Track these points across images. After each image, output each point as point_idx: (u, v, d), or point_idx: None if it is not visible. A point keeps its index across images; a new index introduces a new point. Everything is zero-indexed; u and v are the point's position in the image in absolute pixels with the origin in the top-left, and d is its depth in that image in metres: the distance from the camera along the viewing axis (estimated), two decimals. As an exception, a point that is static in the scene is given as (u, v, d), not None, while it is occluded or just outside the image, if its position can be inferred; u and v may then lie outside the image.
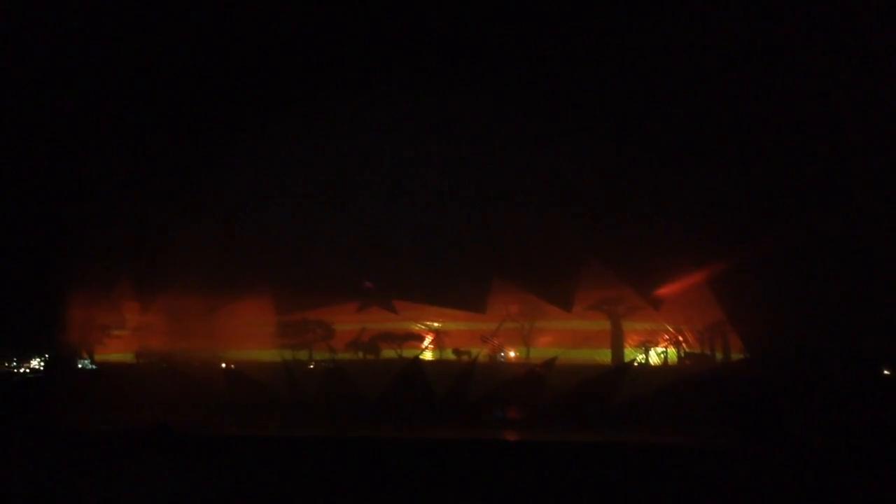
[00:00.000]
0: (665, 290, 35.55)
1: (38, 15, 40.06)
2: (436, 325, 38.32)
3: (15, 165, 41.18)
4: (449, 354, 37.58)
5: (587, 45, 36.83)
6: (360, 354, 38.11)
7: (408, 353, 37.70)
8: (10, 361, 44.67)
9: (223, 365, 38.83)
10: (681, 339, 36.29)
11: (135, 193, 39.42)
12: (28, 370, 44.38)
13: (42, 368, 43.75)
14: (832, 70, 33.86)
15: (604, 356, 36.67)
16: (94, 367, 40.56)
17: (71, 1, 40.15)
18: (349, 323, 38.59)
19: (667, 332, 36.23)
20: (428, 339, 38.14)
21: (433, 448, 26.73)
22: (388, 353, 37.95)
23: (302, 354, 38.46)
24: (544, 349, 36.74)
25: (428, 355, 37.97)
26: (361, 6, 40.39)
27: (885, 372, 35.55)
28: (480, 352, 36.83)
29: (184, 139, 40.18)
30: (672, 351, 36.64)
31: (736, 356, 35.17)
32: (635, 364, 36.00)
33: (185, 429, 29.68)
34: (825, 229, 32.58)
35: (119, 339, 40.26)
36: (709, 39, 35.47)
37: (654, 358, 36.69)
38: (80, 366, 40.80)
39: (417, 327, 38.36)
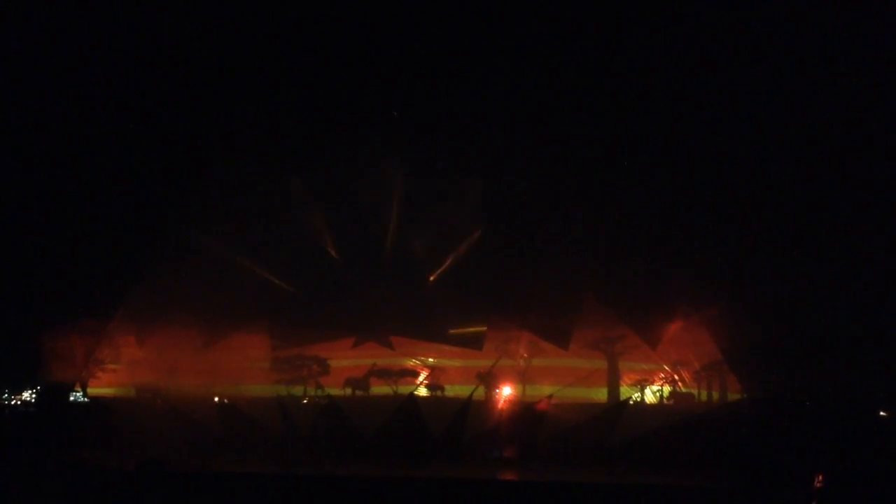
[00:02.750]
0: (663, 330, 35.59)
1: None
2: (431, 360, 38.09)
3: (6, 192, 41.11)
4: (444, 392, 37.30)
5: (593, 84, 37.23)
6: (354, 391, 37.77)
7: (403, 389, 37.41)
8: (2, 393, 44.14)
9: (216, 399, 38.46)
10: (677, 378, 36.19)
11: (131, 225, 39.46)
12: (19, 402, 43.84)
13: (33, 401, 43.21)
14: (839, 114, 34.39)
15: (600, 395, 36.58)
16: (85, 399, 40.09)
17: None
18: (345, 358, 38.35)
19: (663, 371, 36.16)
20: (423, 375, 37.86)
21: (428, 487, 26.46)
22: (384, 389, 37.65)
23: (297, 390, 38.13)
24: (541, 387, 36.57)
25: (423, 392, 37.67)
26: (360, 45, 40.80)
27: (882, 413, 35.50)
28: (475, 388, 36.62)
29: (184, 171, 40.21)
30: (665, 390, 36.59)
31: (733, 397, 35.07)
32: (631, 403, 35.84)
33: (177, 465, 29.27)
34: (824, 271, 32.77)
35: (113, 372, 39.84)
36: (720, 85, 35.99)
37: (650, 397, 36.55)
38: (72, 398, 40.35)
39: (413, 363, 38.09)
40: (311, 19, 40.45)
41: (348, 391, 37.70)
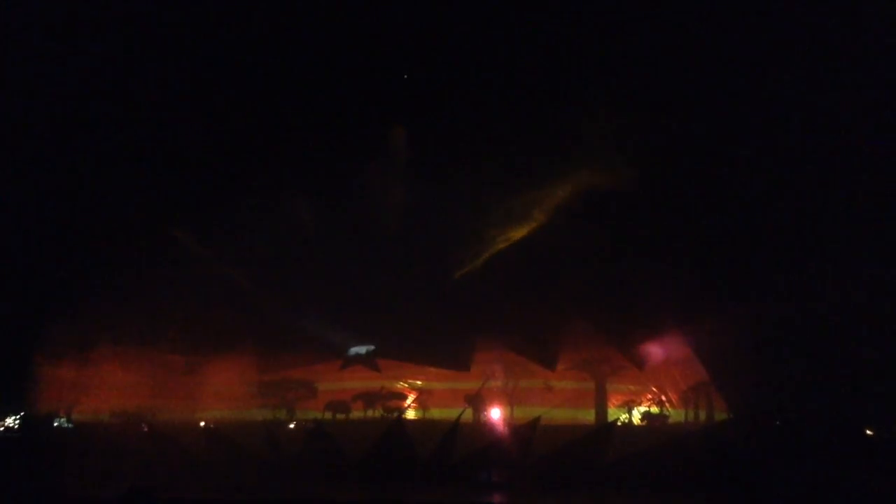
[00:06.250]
0: (649, 350, 35.68)
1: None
2: (419, 383, 38.01)
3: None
4: (433, 414, 37.20)
5: (582, 108, 37.45)
6: (341, 414, 37.61)
7: (391, 412, 37.26)
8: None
9: (203, 424, 38.15)
10: (664, 399, 36.27)
11: (117, 249, 39.28)
12: (2, 428, 43.22)
13: (16, 428, 42.63)
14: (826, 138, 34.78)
15: (587, 416, 36.56)
16: (70, 426, 39.64)
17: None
18: (331, 382, 38.21)
19: (651, 392, 36.22)
20: (411, 398, 37.75)
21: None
22: (371, 412, 37.52)
23: (282, 413, 37.91)
24: (528, 408, 36.48)
25: (411, 415, 37.53)
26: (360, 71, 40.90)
27: (868, 432, 35.62)
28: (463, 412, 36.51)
29: (173, 195, 40.11)
30: (651, 411, 36.68)
31: (720, 416, 35.14)
32: (619, 424, 35.81)
33: (165, 492, 28.90)
34: (810, 292, 33.02)
35: (97, 397, 39.43)
36: (720, 109, 36.28)
37: (637, 418, 36.59)
38: (56, 425, 39.91)
39: (400, 386, 38.00)
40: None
41: (336, 415, 37.62)
